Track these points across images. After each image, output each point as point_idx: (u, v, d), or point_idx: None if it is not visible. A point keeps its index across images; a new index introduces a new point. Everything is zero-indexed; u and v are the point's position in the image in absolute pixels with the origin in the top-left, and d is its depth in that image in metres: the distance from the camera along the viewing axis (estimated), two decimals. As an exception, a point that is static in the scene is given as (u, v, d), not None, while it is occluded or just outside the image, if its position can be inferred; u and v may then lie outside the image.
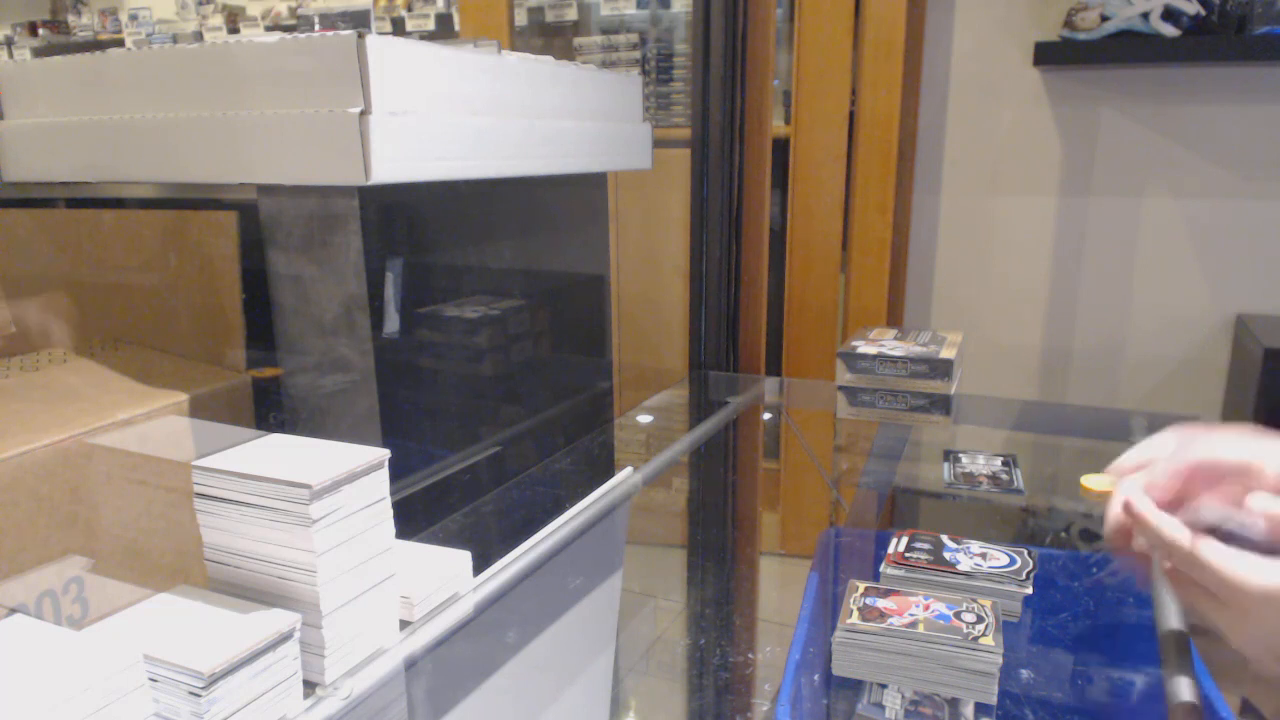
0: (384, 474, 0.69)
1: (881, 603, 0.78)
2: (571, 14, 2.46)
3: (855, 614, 0.76)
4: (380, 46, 0.79)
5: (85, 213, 1.06)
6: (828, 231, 1.93)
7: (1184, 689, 0.57)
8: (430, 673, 0.73)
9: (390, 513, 0.70)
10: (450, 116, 0.89)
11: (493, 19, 2.26)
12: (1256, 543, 0.53)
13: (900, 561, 0.85)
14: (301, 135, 0.80)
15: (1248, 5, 1.60)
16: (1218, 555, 0.52)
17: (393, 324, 0.93)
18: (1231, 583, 0.51)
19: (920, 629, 0.74)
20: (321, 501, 0.63)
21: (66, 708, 0.49)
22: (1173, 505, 0.57)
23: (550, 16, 2.48)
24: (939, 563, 0.85)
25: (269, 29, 4.11)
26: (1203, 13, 1.61)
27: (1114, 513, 0.60)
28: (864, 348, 1.43)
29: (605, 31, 2.43)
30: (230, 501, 0.65)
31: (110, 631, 0.60)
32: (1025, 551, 0.87)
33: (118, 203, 1.05)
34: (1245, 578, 0.51)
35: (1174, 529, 0.55)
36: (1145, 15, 1.62)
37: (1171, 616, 0.60)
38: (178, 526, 0.85)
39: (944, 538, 0.90)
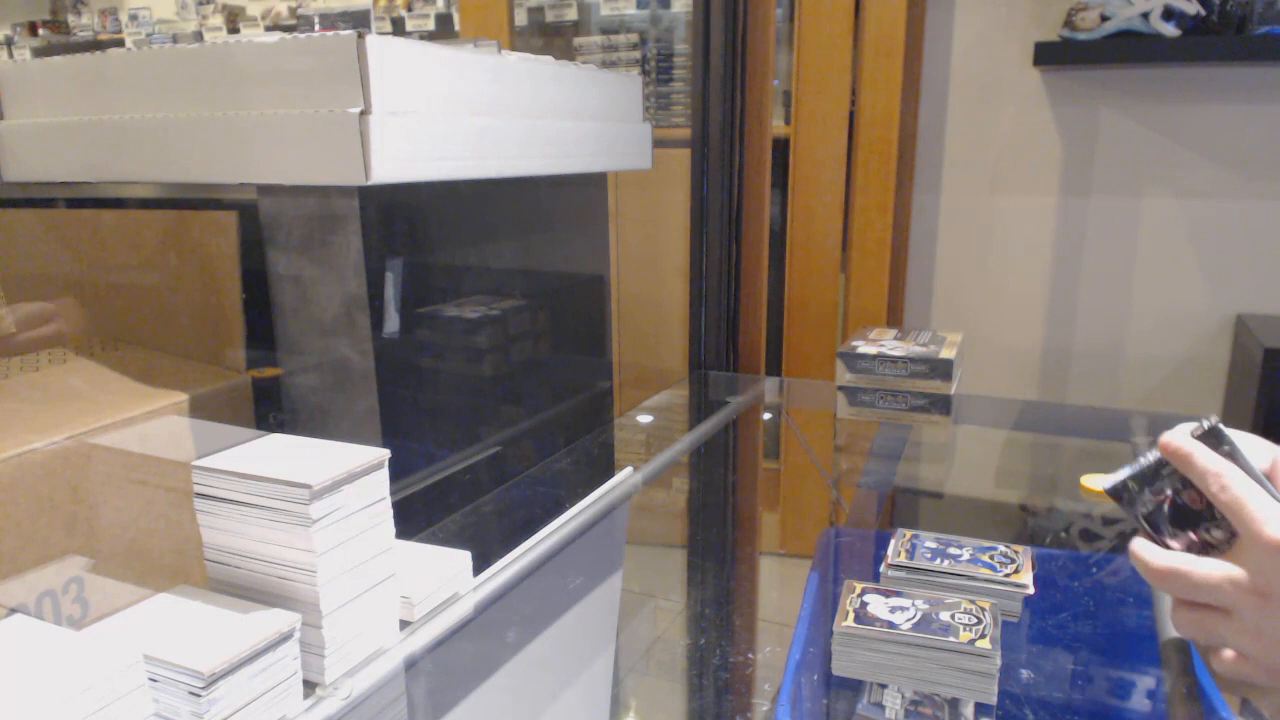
0: (384, 474, 0.69)
1: (881, 603, 0.78)
2: (571, 14, 2.46)
3: (851, 615, 0.76)
4: (380, 46, 0.79)
5: (85, 213, 1.06)
6: (828, 231, 1.93)
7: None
8: (430, 673, 0.73)
9: (390, 513, 0.70)
10: (450, 116, 0.89)
11: (493, 19, 2.26)
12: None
13: (900, 562, 0.85)
14: (301, 135, 0.80)
15: (1248, 5, 1.60)
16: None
17: (393, 324, 0.93)
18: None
19: (920, 629, 0.74)
20: (321, 501, 0.63)
21: (66, 708, 0.49)
22: None
23: (550, 16, 2.48)
24: (939, 562, 0.85)
25: (269, 29, 4.11)
26: (1203, 13, 1.61)
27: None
28: (864, 348, 1.43)
29: (605, 31, 2.43)
30: (230, 501, 0.65)
31: (110, 631, 0.60)
32: (1024, 551, 0.87)
33: (118, 203, 1.05)
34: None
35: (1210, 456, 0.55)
36: (1145, 15, 1.62)
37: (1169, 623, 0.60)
38: (178, 526, 0.85)
39: (944, 538, 0.90)
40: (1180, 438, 0.58)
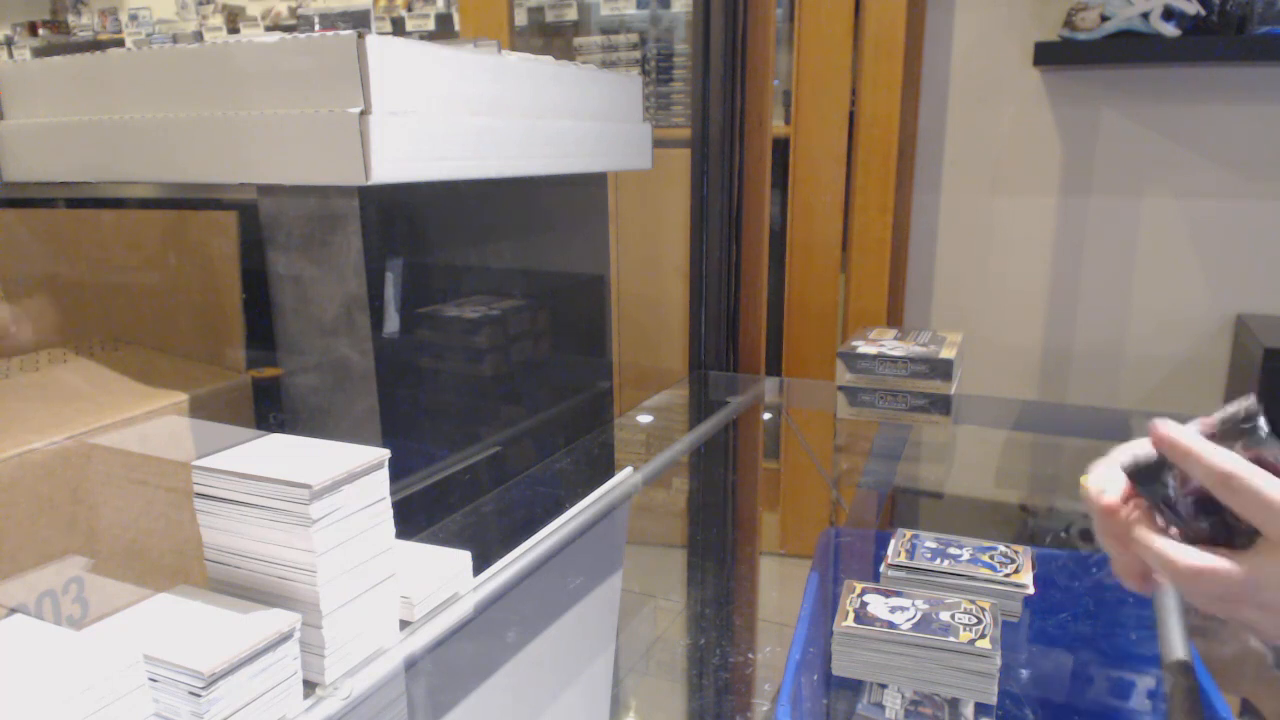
0: (384, 474, 0.69)
1: (881, 603, 0.78)
2: (571, 14, 2.46)
3: (851, 615, 0.76)
4: (380, 46, 0.79)
5: (85, 213, 1.06)
6: (828, 231, 1.93)
7: (1178, 648, 0.55)
8: (430, 673, 0.73)
9: (390, 513, 0.70)
10: (450, 116, 0.89)
11: (493, 19, 2.26)
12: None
13: (900, 562, 0.85)
14: (301, 135, 0.80)
15: (1248, 5, 1.60)
16: (1262, 479, 0.48)
17: (393, 324, 0.93)
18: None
19: (920, 629, 0.74)
20: (321, 501, 0.63)
21: (66, 708, 0.49)
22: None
23: (550, 16, 2.48)
24: (939, 562, 0.85)
25: (269, 29, 4.11)
26: (1203, 13, 1.61)
27: (1105, 501, 0.56)
28: (864, 348, 1.43)
29: (605, 31, 2.43)
30: (230, 501, 0.65)
31: (110, 631, 0.60)
32: (1024, 551, 0.87)
33: (118, 203, 1.05)
34: None
35: (1218, 453, 0.50)
36: (1145, 15, 1.62)
37: (1172, 618, 0.60)
38: (178, 526, 0.85)
39: (944, 537, 0.90)
40: (1179, 431, 0.52)
